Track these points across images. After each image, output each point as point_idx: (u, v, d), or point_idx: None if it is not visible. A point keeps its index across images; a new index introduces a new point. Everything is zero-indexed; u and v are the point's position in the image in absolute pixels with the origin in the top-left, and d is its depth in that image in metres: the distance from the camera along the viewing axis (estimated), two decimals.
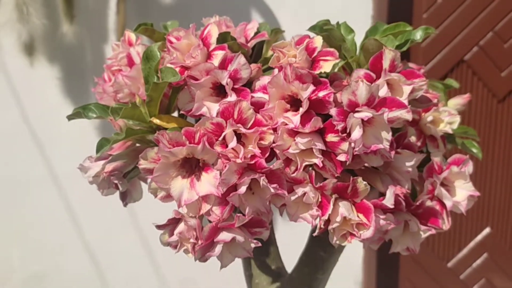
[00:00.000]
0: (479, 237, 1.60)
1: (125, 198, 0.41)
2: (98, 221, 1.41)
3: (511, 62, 1.47)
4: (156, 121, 0.38)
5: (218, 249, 0.34)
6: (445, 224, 0.40)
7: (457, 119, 0.43)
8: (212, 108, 0.35)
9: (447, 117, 0.42)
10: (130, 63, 0.42)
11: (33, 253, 1.41)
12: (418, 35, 0.40)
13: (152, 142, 0.39)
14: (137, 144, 0.40)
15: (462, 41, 1.44)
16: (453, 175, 0.40)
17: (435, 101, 0.39)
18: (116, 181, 0.37)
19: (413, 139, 0.41)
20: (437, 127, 0.42)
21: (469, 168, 0.41)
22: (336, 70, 0.38)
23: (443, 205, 0.40)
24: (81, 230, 1.41)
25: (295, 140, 0.33)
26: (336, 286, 1.44)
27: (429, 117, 0.42)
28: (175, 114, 0.42)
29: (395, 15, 1.38)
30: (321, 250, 0.46)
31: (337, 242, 0.36)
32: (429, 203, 0.39)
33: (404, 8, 1.41)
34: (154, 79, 0.38)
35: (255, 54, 0.42)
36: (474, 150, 0.47)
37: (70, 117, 0.41)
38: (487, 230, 1.59)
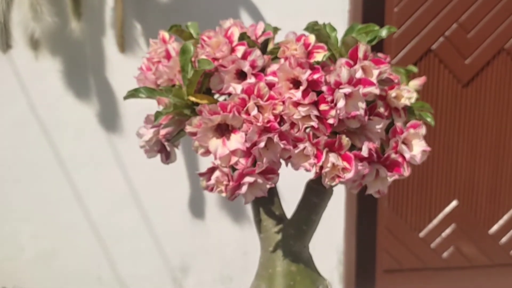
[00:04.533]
0: (447, 209, 1.77)
1: (168, 157, 0.55)
2: (102, 201, 1.52)
3: (474, 50, 1.64)
4: (193, 98, 0.51)
5: (244, 188, 0.48)
6: (405, 171, 0.55)
7: (414, 95, 0.58)
8: (236, 87, 0.49)
9: (406, 93, 0.57)
10: (168, 56, 0.55)
11: (42, 232, 1.51)
12: (384, 32, 0.54)
13: (186, 115, 0.52)
14: (176, 117, 0.54)
15: (429, 32, 1.60)
16: (410, 135, 0.55)
17: (396, 81, 0.53)
18: (166, 143, 0.50)
19: (381, 110, 0.56)
20: (399, 101, 0.57)
21: (422, 130, 0.55)
22: (324, 59, 0.52)
23: (404, 158, 0.55)
24: (87, 209, 1.52)
25: (297, 109, 0.48)
26: (321, 256, 1.59)
27: (393, 93, 0.56)
28: None
29: (369, 9, 1.52)
30: (314, 197, 0.60)
31: (328, 182, 0.50)
32: (393, 156, 0.54)
33: (377, 3, 1.55)
34: (189, 67, 0.52)
35: (262, 48, 0.56)
36: (428, 119, 0.62)
37: (125, 98, 0.54)
38: (454, 203, 1.76)
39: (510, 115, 1.71)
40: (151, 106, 0.60)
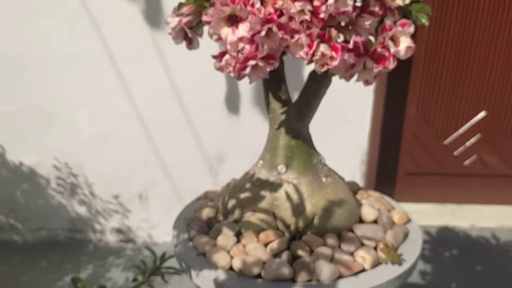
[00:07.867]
0: (475, 119, 1.82)
1: (191, 43, 0.66)
2: (146, 93, 1.68)
3: None
4: None
5: (248, 70, 0.59)
6: (391, 65, 0.64)
7: None
8: None
9: None
10: None
11: (96, 118, 1.71)
12: None
13: (205, 7, 0.62)
14: (197, 8, 0.64)
15: None
16: (398, 32, 0.63)
17: None
18: (187, 30, 0.61)
19: (376, 9, 0.63)
20: (393, 1, 0.64)
21: (410, 29, 0.63)
22: None
23: (390, 52, 0.63)
24: (133, 100, 1.68)
25: (294, 4, 0.57)
26: (345, 154, 1.71)
27: None
28: None
29: None
30: (315, 84, 0.71)
31: (318, 69, 0.60)
32: (380, 50, 0.63)
33: None
34: None
35: None
36: (423, 20, 0.69)
37: None
38: (482, 114, 1.80)
39: None
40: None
